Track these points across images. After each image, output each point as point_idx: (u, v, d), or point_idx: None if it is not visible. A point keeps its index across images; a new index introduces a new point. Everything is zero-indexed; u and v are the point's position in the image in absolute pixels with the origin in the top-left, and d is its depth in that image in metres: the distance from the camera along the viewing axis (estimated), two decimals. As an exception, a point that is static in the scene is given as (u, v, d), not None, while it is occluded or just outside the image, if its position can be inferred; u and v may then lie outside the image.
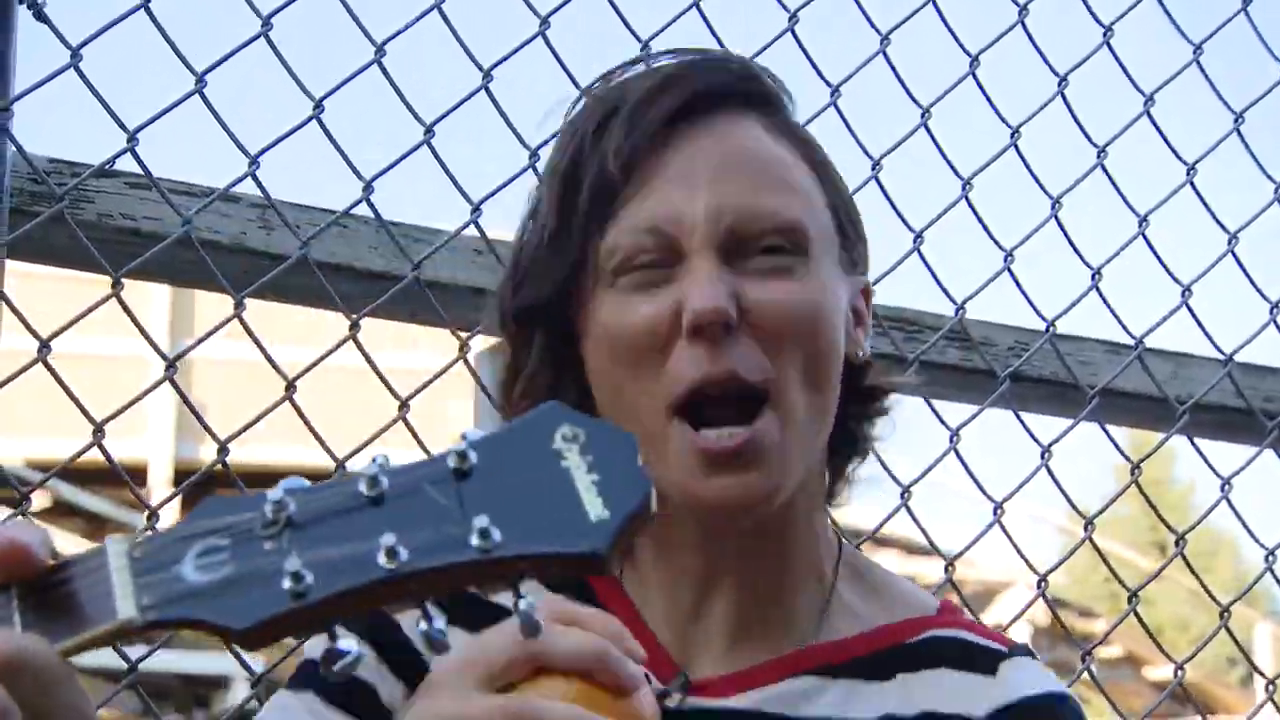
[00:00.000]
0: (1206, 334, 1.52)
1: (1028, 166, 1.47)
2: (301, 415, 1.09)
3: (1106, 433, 1.47)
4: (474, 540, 0.33)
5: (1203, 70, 1.57)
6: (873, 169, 1.35)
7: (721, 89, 0.62)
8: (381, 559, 0.32)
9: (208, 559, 0.34)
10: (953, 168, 1.43)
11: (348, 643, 0.34)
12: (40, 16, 1.04)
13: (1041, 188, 1.48)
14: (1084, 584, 12.21)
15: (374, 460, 0.35)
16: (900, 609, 0.65)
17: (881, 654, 0.62)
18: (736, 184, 0.59)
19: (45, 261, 1.11)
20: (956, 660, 0.62)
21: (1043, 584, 1.39)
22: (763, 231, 0.59)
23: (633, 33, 1.29)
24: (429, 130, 1.19)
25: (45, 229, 1.03)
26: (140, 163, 1.07)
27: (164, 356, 1.03)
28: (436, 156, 1.21)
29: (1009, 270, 1.44)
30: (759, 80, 0.65)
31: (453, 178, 1.21)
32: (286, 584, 0.32)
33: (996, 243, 1.44)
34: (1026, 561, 1.41)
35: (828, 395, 0.61)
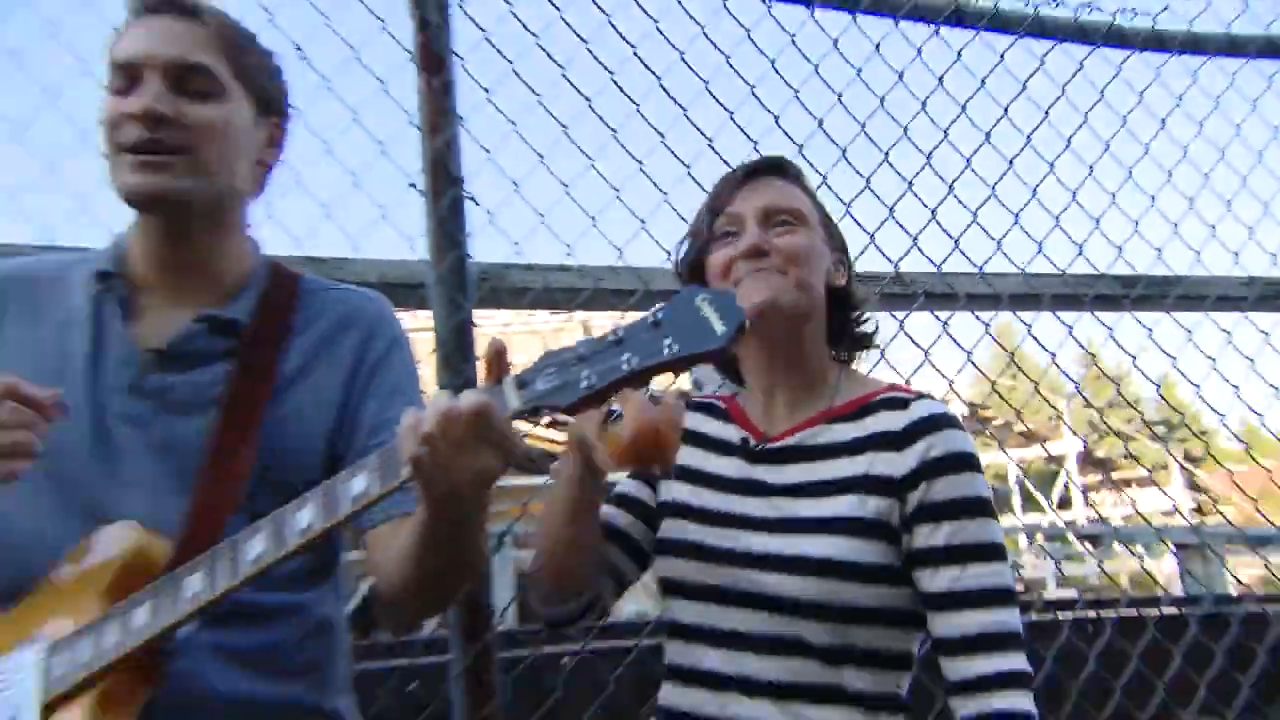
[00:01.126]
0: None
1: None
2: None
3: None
4: (665, 352, 0.74)
5: None
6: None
7: (762, 166, 1.18)
8: (624, 366, 0.75)
9: (548, 377, 0.79)
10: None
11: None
12: None
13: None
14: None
15: (615, 327, 0.78)
16: (872, 390, 1.12)
17: (855, 410, 1.09)
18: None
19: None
20: (891, 406, 1.07)
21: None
22: None
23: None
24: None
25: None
26: None
27: None
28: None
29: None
30: (781, 163, 1.19)
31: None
32: (584, 384, 0.76)
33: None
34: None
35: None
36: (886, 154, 1.61)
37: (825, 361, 1.15)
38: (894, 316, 1.78)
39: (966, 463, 1.00)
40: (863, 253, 1.71)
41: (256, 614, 1.02)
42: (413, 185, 1.55)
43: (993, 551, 0.99)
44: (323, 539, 0.86)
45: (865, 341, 1.20)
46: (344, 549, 1.17)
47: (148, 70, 1.01)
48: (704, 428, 1.18)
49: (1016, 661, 0.95)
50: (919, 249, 1.74)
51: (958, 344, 1.78)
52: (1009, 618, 0.97)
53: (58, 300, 1.09)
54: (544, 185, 1.56)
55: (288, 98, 1.17)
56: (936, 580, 0.98)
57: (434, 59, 1.55)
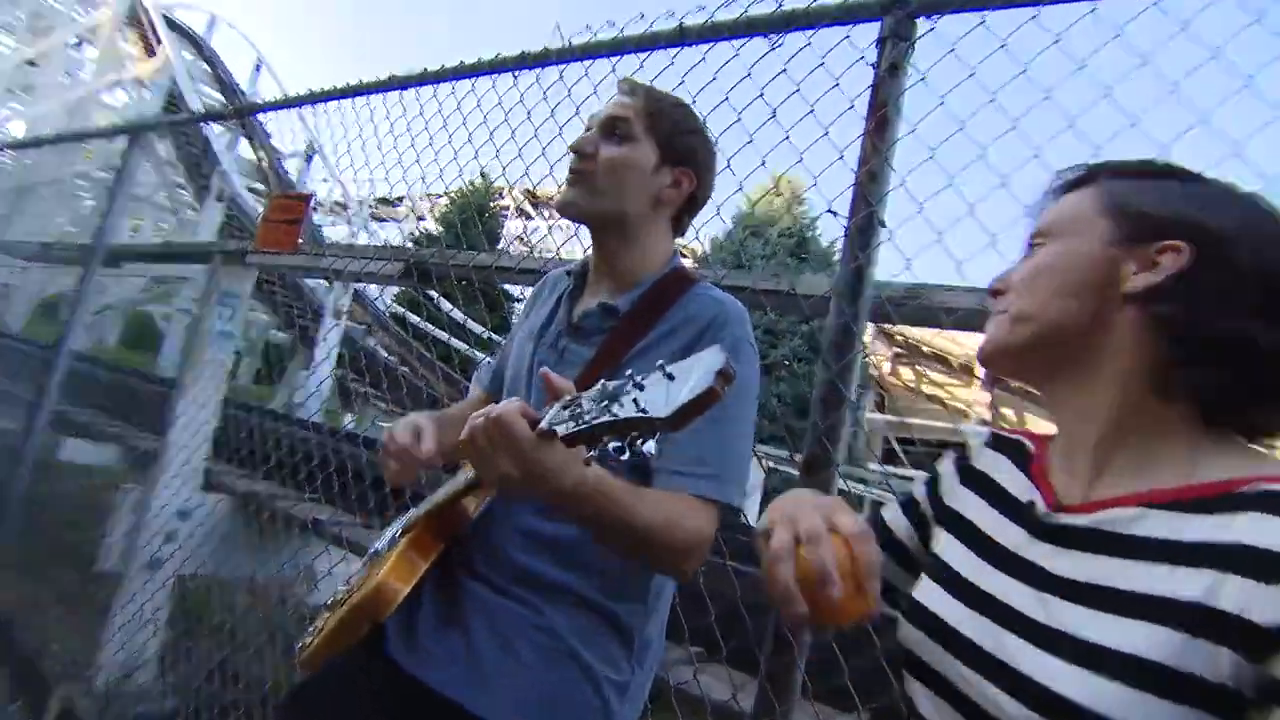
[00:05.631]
0: None
1: None
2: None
3: None
4: (627, 410, 0.74)
5: None
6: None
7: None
8: (607, 416, 0.76)
9: (585, 406, 0.82)
10: None
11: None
12: None
13: None
14: None
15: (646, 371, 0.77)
16: (1257, 474, 0.70)
17: (1211, 498, 0.70)
18: None
19: None
20: (1274, 505, 0.66)
21: None
22: None
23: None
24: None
25: None
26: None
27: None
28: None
29: None
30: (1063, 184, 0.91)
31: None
32: (582, 423, 0.80)
33: None
34: None
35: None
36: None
37: (1166, 418, 0.77)
38: None
39: None
40: None
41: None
42: (832, 212, 1.76)
43: None
44: None
45: None
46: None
47: (594, 124, 1.39)
48: (996, 472, 0.93)
49: None
50: None
51: None
52: None
53: (556, 288, 1.53)
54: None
55: (699, 157, 1.41)
56: None
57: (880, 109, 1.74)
